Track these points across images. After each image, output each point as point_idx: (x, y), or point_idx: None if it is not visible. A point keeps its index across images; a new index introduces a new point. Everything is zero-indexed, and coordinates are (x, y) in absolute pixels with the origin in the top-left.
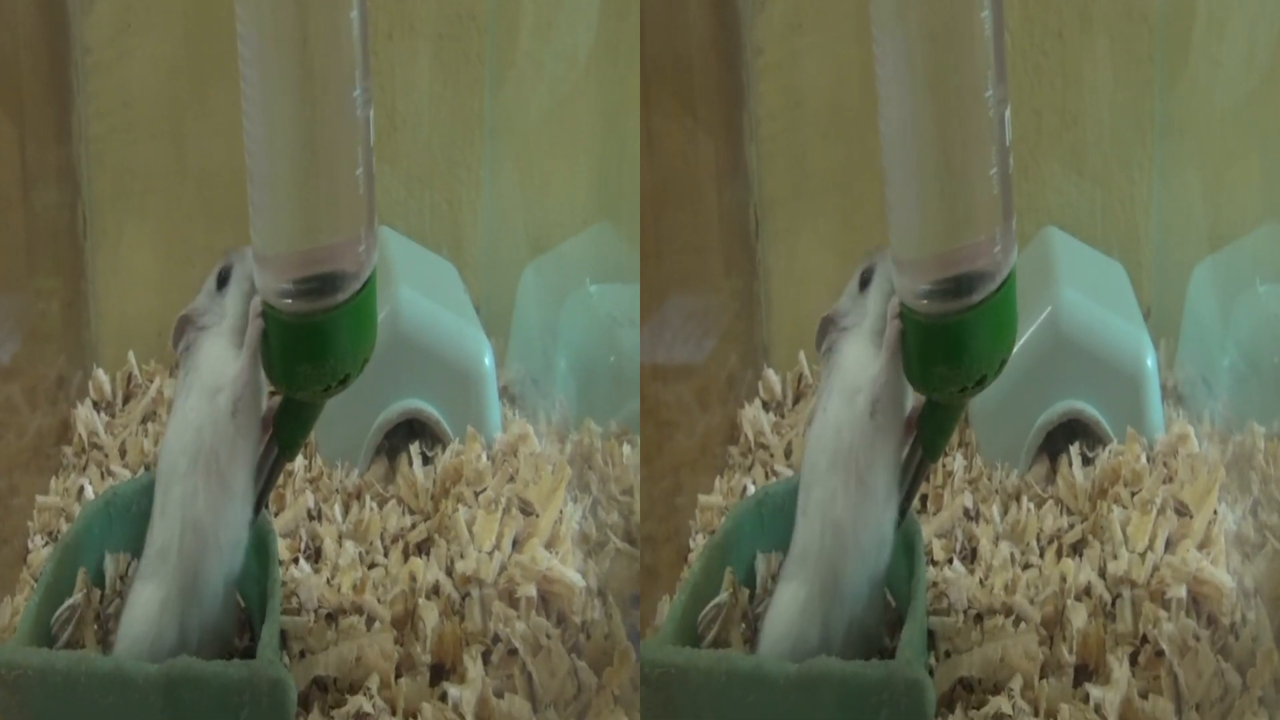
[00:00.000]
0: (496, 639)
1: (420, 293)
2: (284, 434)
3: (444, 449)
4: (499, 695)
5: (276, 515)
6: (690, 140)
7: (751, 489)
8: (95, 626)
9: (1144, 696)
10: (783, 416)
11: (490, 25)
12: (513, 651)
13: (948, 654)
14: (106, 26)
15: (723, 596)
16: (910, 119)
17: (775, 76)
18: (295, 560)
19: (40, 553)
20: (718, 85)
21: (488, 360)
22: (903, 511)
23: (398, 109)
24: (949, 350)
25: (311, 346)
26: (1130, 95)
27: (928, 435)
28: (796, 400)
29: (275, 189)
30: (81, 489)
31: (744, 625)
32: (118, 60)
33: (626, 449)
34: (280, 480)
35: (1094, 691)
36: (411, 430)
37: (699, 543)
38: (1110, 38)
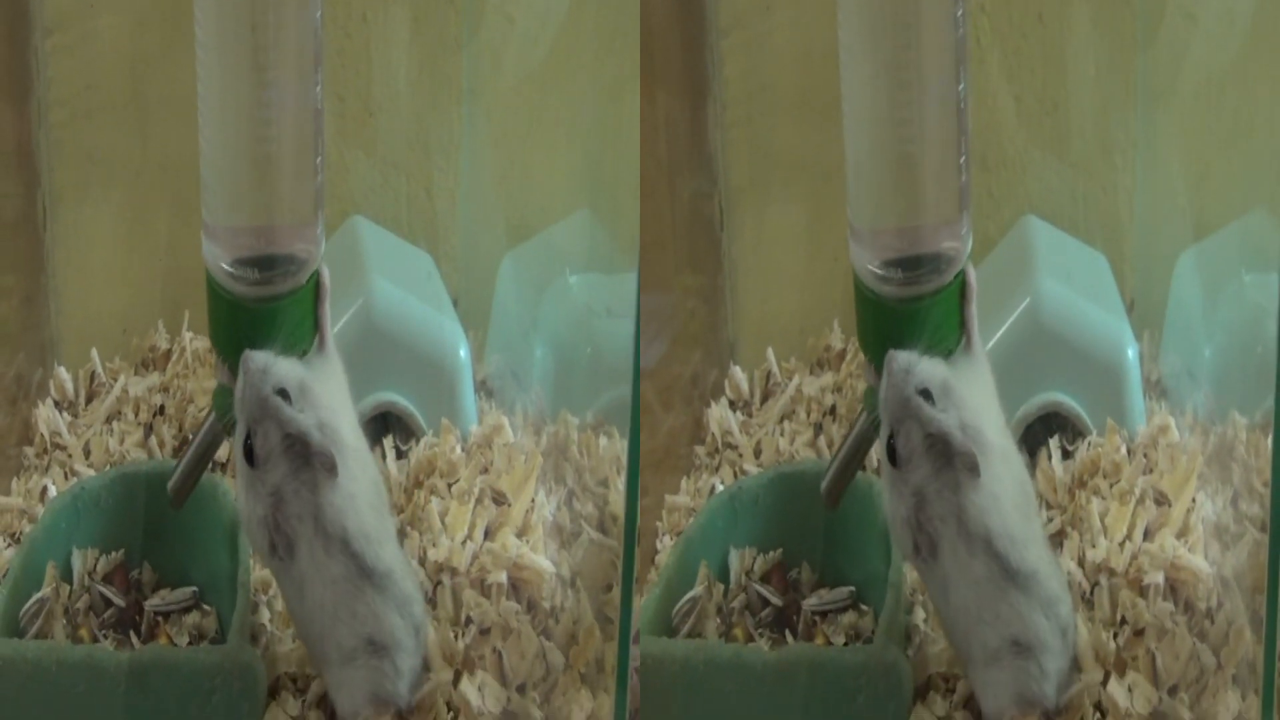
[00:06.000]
0: (469, 621)
1: (394, 284)
2: (221, 403)
3: (418, 442)
4: (470, 676)
5: None
6: (649, 126)
7: (720, 489)
8: (64, 621)
9: (1122, 676)
10: (751, 416)
11: (466, 6)
12: (484, 631)
13: (924, 643)
14: (68, 6)
15: (697, 590)
16: (879, 99)
17: (742, 58)
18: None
19: (3, 554)
20: (679, 67)
21: (463, 352)
22: (846, 479)
23: (373, 94)
24: (907, 332)
25: (257, 330)
26: (1113, 79)
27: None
28: (765, 399)
29: (221, 167)
30: (44, 490)
31: (719, 620)
32: (80, 42)
33: (604, 440)
34: None
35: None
36: (386, 423)
37: (666, 545)
38: (1092, 20)
